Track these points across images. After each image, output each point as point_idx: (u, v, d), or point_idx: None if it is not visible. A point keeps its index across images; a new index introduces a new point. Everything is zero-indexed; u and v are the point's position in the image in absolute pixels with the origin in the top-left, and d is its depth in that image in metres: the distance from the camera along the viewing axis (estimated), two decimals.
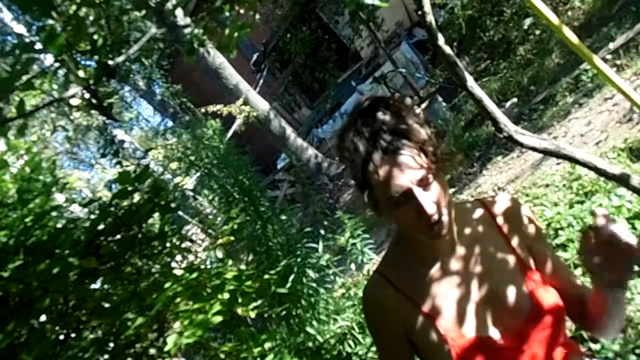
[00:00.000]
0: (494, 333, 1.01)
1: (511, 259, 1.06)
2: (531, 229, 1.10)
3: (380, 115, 0.96)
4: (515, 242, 1.08)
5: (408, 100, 1.01)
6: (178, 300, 1.88)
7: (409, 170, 0.93)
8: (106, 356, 1.92)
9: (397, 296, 1.05)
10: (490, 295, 1.03)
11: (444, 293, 1.04)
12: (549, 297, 1.03)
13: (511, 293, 1.03)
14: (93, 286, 1.96)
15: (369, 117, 0.97)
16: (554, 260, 1.11)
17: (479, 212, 1.11)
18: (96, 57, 1.42)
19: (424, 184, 0.94)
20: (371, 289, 1.11)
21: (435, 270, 1.05)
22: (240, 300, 1.91)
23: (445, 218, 0.96)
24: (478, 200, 1.14)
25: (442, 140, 1.00)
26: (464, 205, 1.13)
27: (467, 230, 1.08)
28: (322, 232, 4.30)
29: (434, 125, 1.00)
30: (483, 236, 1.08)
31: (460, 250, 1.06)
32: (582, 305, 1.10)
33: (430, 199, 0.94)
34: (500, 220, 1.09)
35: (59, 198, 2.55)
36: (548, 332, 1.01)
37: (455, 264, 1.05)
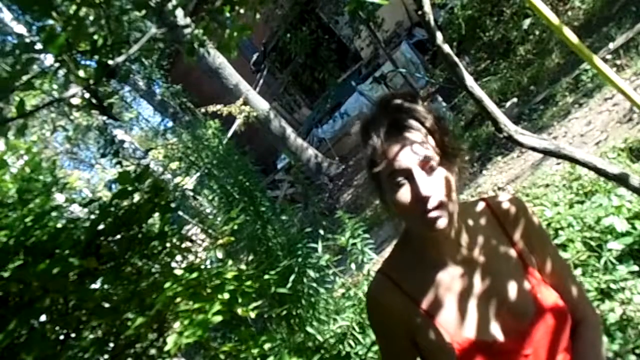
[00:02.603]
0: (497, 335, 1.00)
1: (515, 260, 1.06)
2: (533, 225, 1.10)
3: (396, 100, 1.00)
4: (518, 242, 1.08)
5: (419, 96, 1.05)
6: (178, 300, 1.88)
7: (413, 149, 0.95)
8: (106, 356, 1.92)
9: (401, 297, 1.05)
10: (494, 297, 1.02)
11: (448, 294, 1.04)
12: (550, 296, 1.03)
13: (515, 295, 1.02)
14: (93, 286, 1.96)
15: (389, 102, 1.01)
16: (554, 262, 1.10)
17: (483, 212, 1.10)
18: (96, 57, 1.41)
19: (426, 167, 0.95)
20: (375, 290, 1.11)
21: (439, 271, 1.05)
22: (240, 300, 1.91)
23: (445, 209, 0.95)
24: (482, 199, 1.13)
25: (450, 135, 1.02)
26: (467, 205, 1.13)
27: (472, 231, 1.07)
28: (322, 232, 4.29)
29: (446, 124, 1.03)
30: (487, 237, 1.07)
31: (464, 251, 1.05)
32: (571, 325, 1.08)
33: (429, 183, 0.94)
34: (504, 220, 1.09)
35: (59, 198, 2.56)
36: (551, 335, 1.00)
37: (459, 266, 1.05)
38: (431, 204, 0.94)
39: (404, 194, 0.95)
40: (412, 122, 0.97)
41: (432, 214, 0.94)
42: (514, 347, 0.99)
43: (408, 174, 0.94)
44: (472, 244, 1.06)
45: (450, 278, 1.04)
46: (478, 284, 1.03)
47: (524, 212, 1.10)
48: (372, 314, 1.14)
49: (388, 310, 1.07)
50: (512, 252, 1.07)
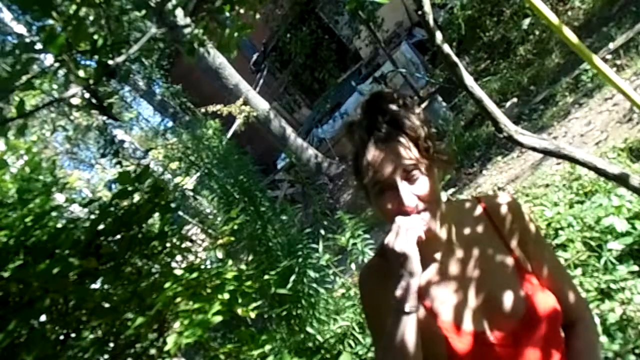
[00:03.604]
0: (489, 332, 1.00)
1: (509, 261, 1.06)
2: (529, 231, 1.10)
3: (381, 105, 1.00)
4: (513, 243, 1.07)
5: (410, 98, 1.04)
6: (178, 300, 1.88)
7: (397, 160, 0.96)
8: (106, 356, 1.92)
9: (391, 281, 1.05)
10: (486, 295, 1.03)
11: (438, 287, 1.04)
12: (546, 300, 1.02)
13: (506, 295, 1.02)
14: (93, 286, 1.96)
15: (370, 107, 1.01)
16: (550, 267, 1.09)
17: (477, 212, 1.10)
18: (96, 57, 1.42)
19: (409, 177, 0.96)
20: (368, 271, 1.13)
21: (432, 269, 1.05)
22: (240, 300, 1.91)
23: (426, 215, 0.97)
24: (477, 198, 1.13)
25: (438, 140, 1.02)
26: (463, 204, 1.13)
27: (466, 230, 1.07)
28: (322, 232, 4.29)
29: (432, 126, 1.03)
30: (481, 236, 1.07)
31: (458, 250, 1.05)
32: (565, 328, 1.08)
33: (412, 193, 0.96)
34: (498, 220, 1.09)
35: (59, 198, 2.55)
36: (543, 336, 1.00)
37: (452, 264, 1.05)
38: (414, 211, 0.96)
39: (388, 203, 0.97)
40: (395, 131, 0.97)
41: None
42: (508, 348, 0.99)
43: (391, 184, 0.96)
44: (466, 243, 1.06)
45: (443, 276, 1.05)
46: (470, 284, 1.03)
47: (521, 217, 1.10)
48: (363, 296, 1.15)
49: (379, 291, 1.06)
50: (507, 253, 1.07)
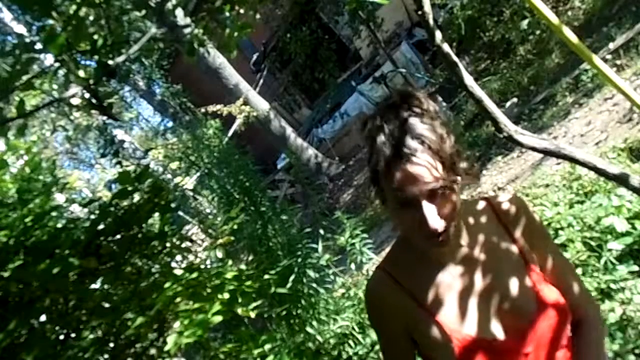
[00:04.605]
0: (498, 333, 1.00)
1: (516, 258, 1.06)
2: (534, 220, 1.10)
3: (406, 114, 0.92)
4: (519, 239, 1.07)
5: (436, 106, 0.97)
6: (178, 300, 1.88)
7: (421, 179, 0.89)
8: (106, 356, 1.92)
9: (399, 292, 1.05)
10: (495, 295, 1.02)
11: (448, 292, 1.04)
12: (551, 294, 1.03)
13: (516, 294, 1.02)
14: (93, 286, 1.96)
15: (395, 114, 0.93)
16: (555, 259, 1.10)
17: (484, 211, 1.10)
18: (96, 57, 1.42)
19: (433, 196, 0.91)
20: (373, 284, 1.12)
21: (439, 269, 1.05)
22: (240, 300, 1.91)
23: (450, 231, 0.95)
24: (482, 198, 1.13)
25: (462, 154, 0.97)
26: (468, 204, 1.13)
27: (472, 230, 1.07)
28: (322, 232, 4.30)
29: (453, 132, 0.96)
30: (488, 235, 1.07)
31: (465, 249, 1.05)
32: (572, 323, 1.08)
33: (437, 212, 0.92)
34: (505, 218, 1.09)
35: (59, 198, 2.55)
36: (552, 332, 1.01)
37: (459, 264, 1.05)
38: (438, 232, 0.93)
39: (410, 219, 0.93)
40: (420, 146, 0.90)
41: (437, 240, 0.95)
42: (515, 346, 0.99)
43: (415, 201, 0.91)
44: (473, 242, 1.06)
45: (450, 276, 1.04)
46: (479, 282, 1.03)
47: (525, 210, 1.10)
48: (370, 309, 1.15)
49: (385, 305, 1.07)
50: (514, 250, 1.06)
